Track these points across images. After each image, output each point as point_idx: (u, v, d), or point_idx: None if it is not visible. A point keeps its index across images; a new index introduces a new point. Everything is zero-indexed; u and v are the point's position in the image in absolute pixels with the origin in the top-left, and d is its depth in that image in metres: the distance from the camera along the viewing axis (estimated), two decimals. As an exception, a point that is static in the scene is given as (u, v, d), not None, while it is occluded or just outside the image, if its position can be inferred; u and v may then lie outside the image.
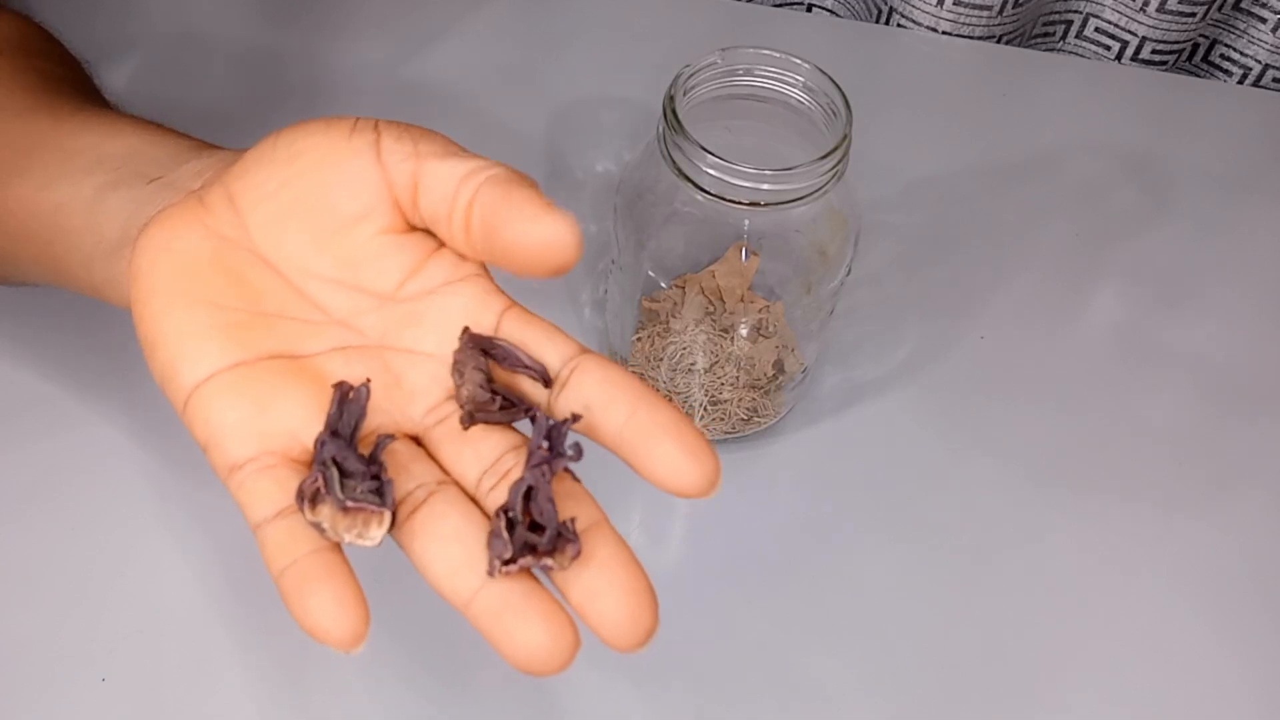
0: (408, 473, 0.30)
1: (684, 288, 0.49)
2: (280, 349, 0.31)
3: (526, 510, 0.28)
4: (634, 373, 0.31)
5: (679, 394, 0.50)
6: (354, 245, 0.32)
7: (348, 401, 0.30)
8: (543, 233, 0.28)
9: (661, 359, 0.50)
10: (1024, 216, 0.61)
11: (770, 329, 0.50)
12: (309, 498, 0.28)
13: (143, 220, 0.34)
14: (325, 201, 0.32)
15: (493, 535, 0.28)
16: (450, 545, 0.28)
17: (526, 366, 0.30)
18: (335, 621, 0.27)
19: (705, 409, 0.51)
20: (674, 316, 0.50)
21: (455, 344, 0.31)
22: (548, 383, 0.30)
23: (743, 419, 0.51)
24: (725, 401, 0.50)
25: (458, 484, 0.30)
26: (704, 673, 0.46)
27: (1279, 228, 0.62)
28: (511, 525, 0.28)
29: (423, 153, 0.31)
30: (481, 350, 0.30)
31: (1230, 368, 0.56)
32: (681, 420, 0.28)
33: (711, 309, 0.49)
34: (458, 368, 0.30)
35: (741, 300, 0.49)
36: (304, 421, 0.30)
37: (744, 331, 0.49)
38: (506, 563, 0.27)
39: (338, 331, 0.32)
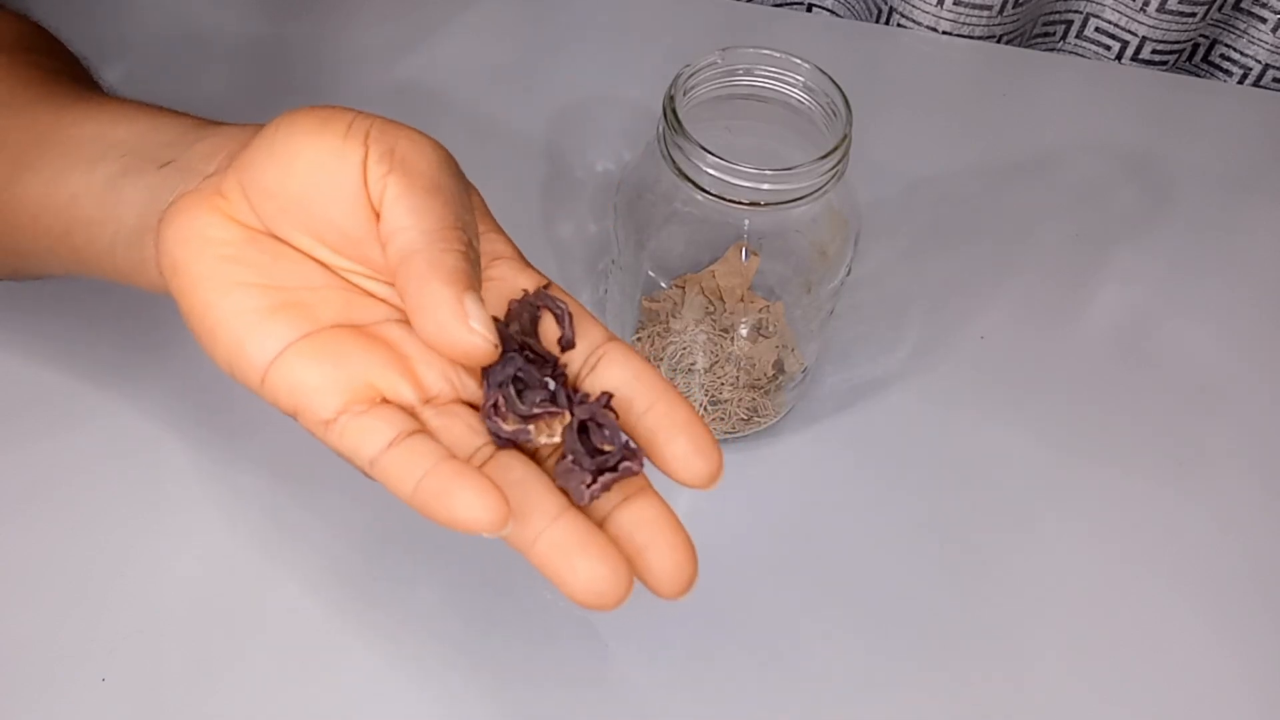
0: (474, 431, 0.32)
1: (684, 288, 0.49)
2: (341, 320, 0.33)
3: (586, 443, 0.31)
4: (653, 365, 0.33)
5: (679, 394, 0.50)
6: (368, 251, 0.33)
7: (525, 306, 0.33)
8: (459, 338, 0.30)
9: (661, 359, 0.50)
10: (1024, 216, 0.61)
11: (770, 329, 0.50)
12: (493, 414, 0.31)
13: (160, 206, 0.34)
14: (326, 215, 0.32)
15: (564, 474, 0.31)
16: (515, 491, 0.30)
17: (562, 329, 0.33)
18: (483, 509, 0.28)
19: (705, 409, 0.51)
20: (674, 316, 0.50)
21: (500, 314, 0.33)
22: (565, 348, 0.33)
23: (743, 419, 0.51)
24: (725, 401, 0.50)
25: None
26: (705, 672, 0.46)
27: (1279, 228, 0.62)
28: (577, 461, 0.31)
29: (388, 184, 0.32)
30: (536, 306, 0.33)
31: (1230, 368, 0.56)
32: (695, 419, 0.31)
33: (711, 309, 0.49)
34: (510, 316, 0.33)
35: (741, 300, 0.49)
36: (381, 374, 0.32)
37: (744, 331, 0.49)
38: (591, 485, 0.30)
39: (383, 306, 0.33)
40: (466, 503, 0.28)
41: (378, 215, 0.32)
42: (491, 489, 0.29)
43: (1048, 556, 0.50)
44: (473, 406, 0.33)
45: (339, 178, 0.32)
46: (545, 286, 0.33)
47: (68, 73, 0.44)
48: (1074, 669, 0.47)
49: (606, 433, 0.31)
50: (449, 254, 0.31)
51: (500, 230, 0.35)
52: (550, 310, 0.33)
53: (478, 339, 0.30)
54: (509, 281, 0.34)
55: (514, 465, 0.31)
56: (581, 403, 0.32)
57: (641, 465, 0.31)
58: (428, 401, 0.32)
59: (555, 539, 0.30)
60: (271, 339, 0.31)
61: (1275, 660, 0.47)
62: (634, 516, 0.31)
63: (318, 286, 0.33)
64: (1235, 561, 0.50)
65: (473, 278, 0.31)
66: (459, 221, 0.32)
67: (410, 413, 0.32)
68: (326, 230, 0.33)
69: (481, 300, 0.31)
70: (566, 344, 0.33)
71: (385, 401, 0.31)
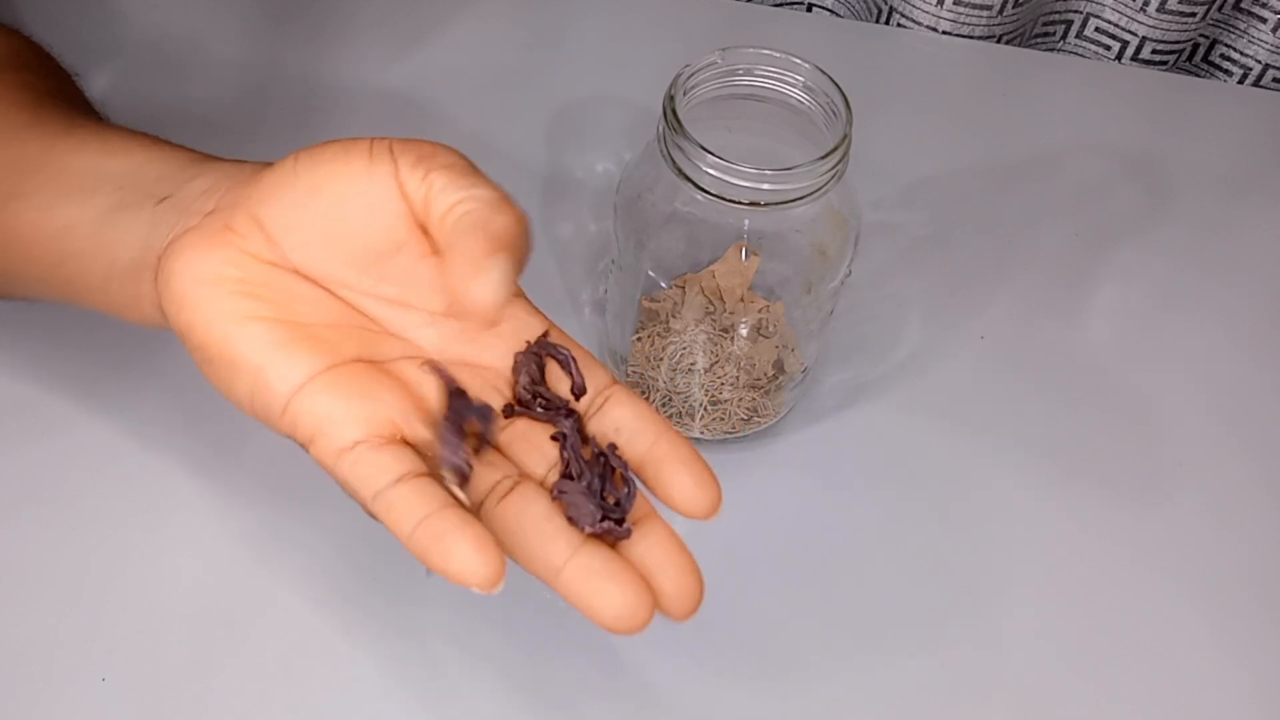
0: (492, 465, 0.33)
1: (684, 288, 0.49)
2: (360, 355, 0.33)
3: (602, 488, 0.32)
4: (653, 409, 0.34)
5: (679, 394, 0.50)
6: (396, 271, 0.34)
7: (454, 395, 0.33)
8: (471, 289, 0.30)
9: (661, 359, 0.50)
10: (1024, 216, 0.61)
11: (770, 329, 0.50)
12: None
13: (159, 242, 0.34)
14: (358, 235, 0.33)
15: (574, 504, 0.32)
16: (542, 524, 0.31)
17: (571, 376, 0.34)
18: (478, 564, 0.29)
19: (705, 409, 0.51)
20: (674, 316, 0.50)
21: (511, 357, 0.34)
22: (578, 395, 0.34)
23: (743, 419, 0.51)
24: (725, 401, 0.50)
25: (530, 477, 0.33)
26: (704, 671, 0.46)
27: (1279, 228, 0.62)
28: (586, 492, 0.32)
29: (433, 180, 0.32)
30: (540, 355, 0.34)
31: (1230, 368, 0.56)
32: (695, 454, 0.33)
33: (711, 309, 0.49)
34: (516, 368, 0.34)
35: (741, 300, 0.49)
36: (401, 412, 0.32)
37: (744, 331, 0.49)
38: (602, 520, 0.31)
39: (400, 343, 0.34)
40: (462, 555, 0.29)
41: (421, 224, 0.33)
42: (490, 546, 0.29)
43: (1049, 555, 0.50)
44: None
45: (372, 194, 0.32)
46: (544, 334, 0.34)
47: (60, 93, 0.44)
48: (1076, 668, 0.47)
49: (626, 491, 0.32)
50: (502, 216, 0.31)
51: None
52: (555, 358, 0.34)
53: (482, 296, 0.29)
54: (521, 320, 0.35)
55: (538, 498, 0.32)
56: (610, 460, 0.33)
57: (631, 531, 0.32)
58: None
59: (581, 569, 0.30)
60: (294, 369, 0.32)
61: (1275, 660, 0.47)
62: (645, 541, 0.32)
63: (336, 323, 0.33)
64: (1235, 561, 0.50)
65: (519, 240, 0.31)
66: (508, 195, 0.32)
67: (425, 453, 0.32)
68: (358, 250, 0.33)
69: (516, 265, 0.30)
70: (579, 391, 0.34)
71: (403, 441, 0.32)
